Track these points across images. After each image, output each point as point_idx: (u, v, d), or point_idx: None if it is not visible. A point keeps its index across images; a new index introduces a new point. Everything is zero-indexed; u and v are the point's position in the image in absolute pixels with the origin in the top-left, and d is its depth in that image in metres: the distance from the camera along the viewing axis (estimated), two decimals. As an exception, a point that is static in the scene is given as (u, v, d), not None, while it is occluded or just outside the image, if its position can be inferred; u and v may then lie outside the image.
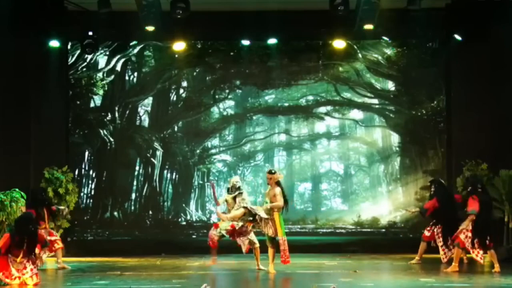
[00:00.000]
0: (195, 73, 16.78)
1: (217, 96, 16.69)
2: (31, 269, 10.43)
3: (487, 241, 11.51)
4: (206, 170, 16.65)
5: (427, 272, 11.50)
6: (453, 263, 11.68)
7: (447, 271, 11.56)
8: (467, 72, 15.23)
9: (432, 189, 13.20)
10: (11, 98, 14.46)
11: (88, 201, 16.33)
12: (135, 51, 16.55)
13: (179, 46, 15.73)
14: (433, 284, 10.17)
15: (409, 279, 10.86)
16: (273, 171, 11.51)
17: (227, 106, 16.82)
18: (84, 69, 16.38)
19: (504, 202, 13.77)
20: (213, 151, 16.70)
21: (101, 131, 16.38)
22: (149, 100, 16.68)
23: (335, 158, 16.83)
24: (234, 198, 11.94)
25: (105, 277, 11.20)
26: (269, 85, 16.60)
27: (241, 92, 16.78)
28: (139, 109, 16.67)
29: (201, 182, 16.56)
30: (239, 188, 11.93)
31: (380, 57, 16.38)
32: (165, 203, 16.50)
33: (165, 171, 16.50)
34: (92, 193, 16.31)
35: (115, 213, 16.32)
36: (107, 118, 16.40)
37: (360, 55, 16.35)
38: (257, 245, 11.73)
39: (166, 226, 16.29)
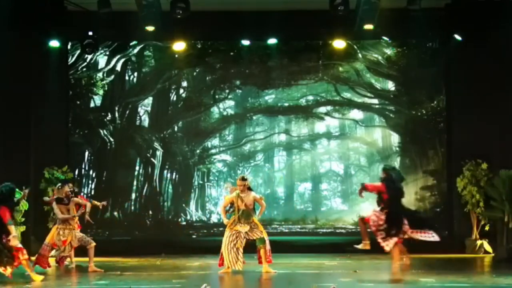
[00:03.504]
0: (195, 73, 16.79)
1: (217, 96, 16.70)
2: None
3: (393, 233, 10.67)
4: (206, 170, 16.65)
5: (427, 272, 11.49)
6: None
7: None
8: (467, 72, 15.23)
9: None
10: (11, 98, 14.45)
11: (88, 201, 16.32)
12: (135, 51, 16.56)
13: (179, 46, 15.74)
14: (433, 284, 10.16)
15: (409, 279, 10.85)
16: (246, 177, 11.68)
17: (227, 106, 16.82)
18: (84, 69, 16.39)
19: (504, 202, 13.76)
20: (213, 151, 16.70)
21: (101, 131, 16.39)
22: (149, 100, 16.69)
23: (335, 158, 16.84)
24: None
25: (105, 277, 11.20)
26: (269, 85, 16.61)
27: (241, 92, 16.79)
28: (139, 109, 16.68)
29: (201, 182, 16.57)
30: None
31: (380, 57, 16.39)
32: (165, 203, 16.50)
33: (165, 171, 16.51)
34: (92, 193, 16.30)
35: (115, 213, 16.33)
36: (107, 118, 16.41)
37: (360, 55, 16.36)
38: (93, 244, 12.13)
39: (166, 226, 16.30)
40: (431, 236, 11.49)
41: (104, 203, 13.65)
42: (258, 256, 11.71)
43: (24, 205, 13.42)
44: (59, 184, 12.34)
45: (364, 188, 11.29)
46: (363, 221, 11.03)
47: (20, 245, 10.64)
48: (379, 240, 10.68)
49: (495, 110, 14.78)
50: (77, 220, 12.60)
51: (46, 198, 12.87)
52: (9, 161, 14.08)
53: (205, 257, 13.96)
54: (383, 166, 11.59)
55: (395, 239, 10.53)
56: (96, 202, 13.36)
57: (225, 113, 16.78)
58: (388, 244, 10.53)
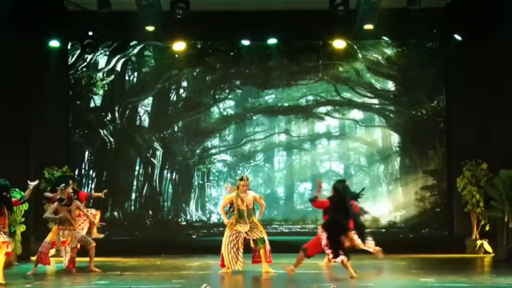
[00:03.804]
0: (195, 73, 16.79)
1: (217, 96, 16.70)
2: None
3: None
4: (206, 170, 16.65)
5: (427, 272, 11.49)
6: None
7: None
8: (467, 72, 15.24)
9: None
10: (11, 98, 14.45)
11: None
12: (135, 51, 16.56)
13: (179, 46, 15.74)
14: (433, 284, 10.16)
15: (409, 279, 10.85)
16: (248, 177, 11.72)
17: (227, 106, 16.82)
18: (84, 69, 16.39)
19: (504, 202, 13.75)
20: (213, 151, 16.70)
21: (101, 131, 16.39)
22: (149, 100, 16.69)
23: (335, 158, 16.83)
24: None
25: (105, 277, 11.20)
26: (269, 85, 16.61)
27: (241, 92, 16.79)
28: (139, 109, 16.68)
29: (201, 182, 16.57)
30: None
31: (380, 57, 16.39)
32: (165, 203, 16.50)
33: (165, 171, 16.51)
34: (92, 193, 16.29)
35: (115, 213, 16.33)
36: (107, 118, 16.41)
37: (360, 55, 16.36)
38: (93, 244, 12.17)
39: (166, 226, 16.30)
40: (368, 247, 11.73)
41: (105, 191, 13.69)
42: (254, 256, 11.72)
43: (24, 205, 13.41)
44: (63, 185, 12.33)
45: (312, 201, 11.37)
46: (305, 253, 11.09)
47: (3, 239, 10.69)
48: (327, 254, 10.98)
49: (495, 110, 14.79)
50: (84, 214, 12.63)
51: (48, 194, 12.91)
52: (9, 161, 14.06)
53: (205, 257, 13.95)
54: (333, 184, 11.52)
55: (343, 256, 10.72)
56: (96, 194, 13.55)
57: (225, 113, 16.78)
58: (339, 258, 10.73)
